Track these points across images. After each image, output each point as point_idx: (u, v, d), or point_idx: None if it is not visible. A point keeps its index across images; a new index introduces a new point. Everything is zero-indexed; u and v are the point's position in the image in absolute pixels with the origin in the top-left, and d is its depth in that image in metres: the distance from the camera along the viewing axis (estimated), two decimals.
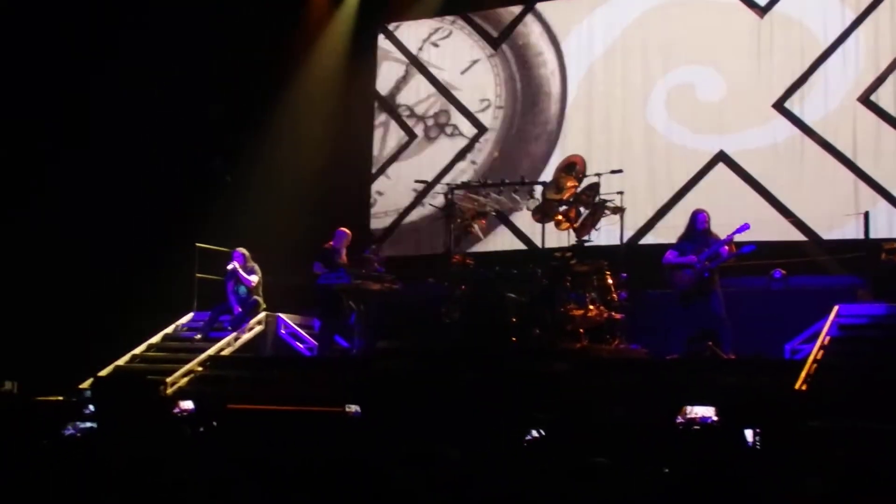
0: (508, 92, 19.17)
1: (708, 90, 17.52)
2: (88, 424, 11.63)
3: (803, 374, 11.92)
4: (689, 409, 9.49)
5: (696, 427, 9.25)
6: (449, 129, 19.42)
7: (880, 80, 16.29)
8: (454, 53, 19.70)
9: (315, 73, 19.94)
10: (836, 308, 13.43)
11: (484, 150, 19.08)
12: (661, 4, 17.97)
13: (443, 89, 19.62)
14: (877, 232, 15.64)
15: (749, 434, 8.04)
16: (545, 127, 18.76)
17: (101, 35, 18.27)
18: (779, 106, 16.89)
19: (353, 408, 11.84)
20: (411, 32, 20.12)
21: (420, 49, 19.93)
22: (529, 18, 19.08)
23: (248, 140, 19.37)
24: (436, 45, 19.78)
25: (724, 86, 17.39)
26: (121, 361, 16.33)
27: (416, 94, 19.91)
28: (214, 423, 11.83)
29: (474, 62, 19.47)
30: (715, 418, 9.30)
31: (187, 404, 12.85)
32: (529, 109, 18.95)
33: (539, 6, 19.02)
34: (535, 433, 8.32)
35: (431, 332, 15.20)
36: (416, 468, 5.45)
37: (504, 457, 6.17)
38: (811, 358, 12.39)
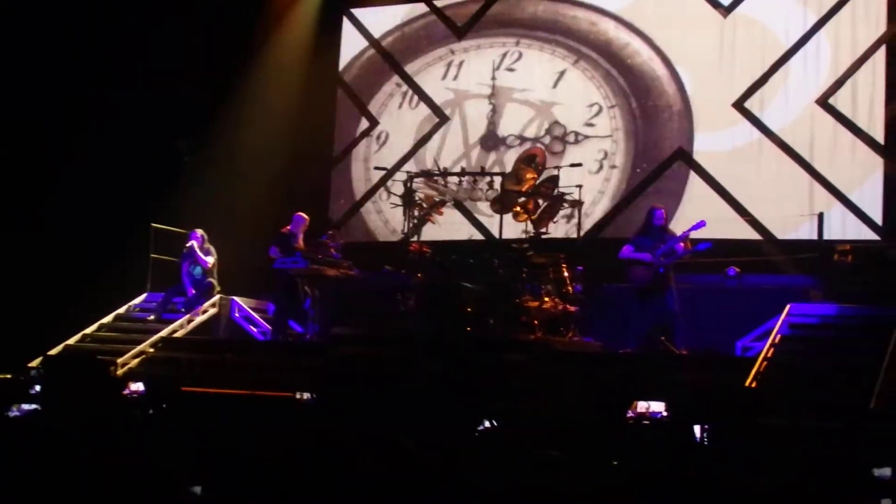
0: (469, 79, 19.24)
1: (670, 87, 17.62)
2: (33, 406, 11.53)
3: (753, 371, 12.06)
4: (639, 403, 9.57)
5: (645, 422, 9.33)
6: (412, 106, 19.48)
7: (839, 84, 16.42)
8: (417, 39, 19.72)
9: (280, 56, 19.86)
10: (787, 307, 13.55)
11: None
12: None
13: (404, 75, 19.62)
14: (830, 233, 15.80)
15: (697, 430, 8.11)
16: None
17: (58, 14, 18.11)
18: (739, 106, 17.00)
19: (305, 395, 11.82)
20: (376, 17, 20.10)
21: (384, 34, 19.92)
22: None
23: (211, 122, 19.29)
24: (417, 27, 19.75)
25: (686, 84, 17.49)
26: (71, 341, 16.19)
27: (379, 80, 19.89)
28: (164, 406, 11.78)
29: (441, 46, 19.49)
30: (665, 413, 9.38)
31: (137, 386, 12.79)
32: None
33: None
34: (487, 423, 8.35)
35: (387, 320, 15.23)
36: (371, 456, 5.48)
37: (457, 446, 6.21)
38: (762, 356, 12.52)
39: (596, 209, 17.39)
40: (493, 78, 18.96)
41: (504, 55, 19.02)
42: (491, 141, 18.74)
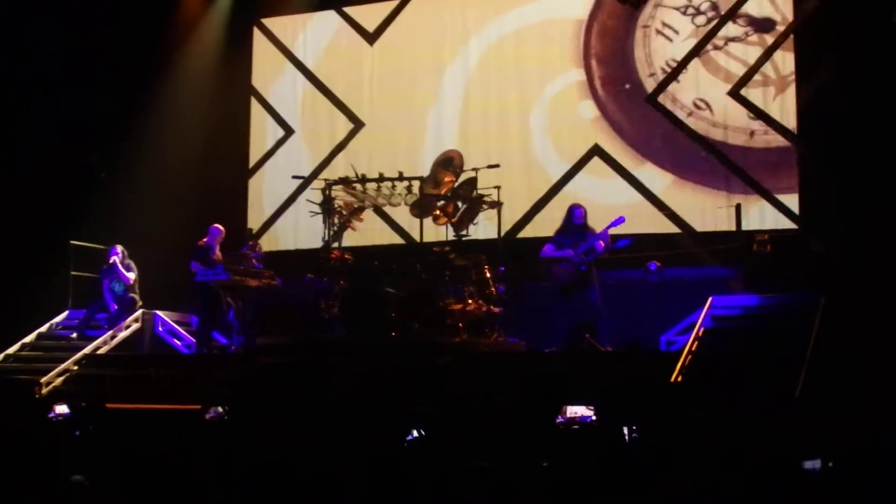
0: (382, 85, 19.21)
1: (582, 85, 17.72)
2: None
3: (679, 365, 12.12)
4: (568, 408, 9.58)
5: (575, 427, 9.35)
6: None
7: (750, 74, 16.56)
8: (328, 47, 19.68)
9: (191, 67, 19.72)
10: (710, 300, 13.65)
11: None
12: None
13: (318, 83, 19.56)
14: (748, 224, 15.95)
15: (625, 430, 8.15)
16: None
17: None
18: (651, 100, 17.11)
19: (215, 410, 11.71)
20: (286, 26, 20.03)
21: (295, 43, 19.87)
22: (405, 13, 19.13)
23: (124, 135, 19.10)
24: (328, 35, 19.74)
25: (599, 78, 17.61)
26: None
27: (293, 88, 19.83)
28: (90, 426, 11.66)
29: (352, 53, 19.45)
30: (593, 417, 9.41)
31: (62, 408, 12.63)
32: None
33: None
34: (415, 433, 8.33)
35: (311, 328, 15.20)
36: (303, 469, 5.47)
37: (386, 457, 6.19)
38: (686, 349, 12.59)
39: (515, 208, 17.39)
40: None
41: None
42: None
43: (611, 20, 17.63)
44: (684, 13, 17.08)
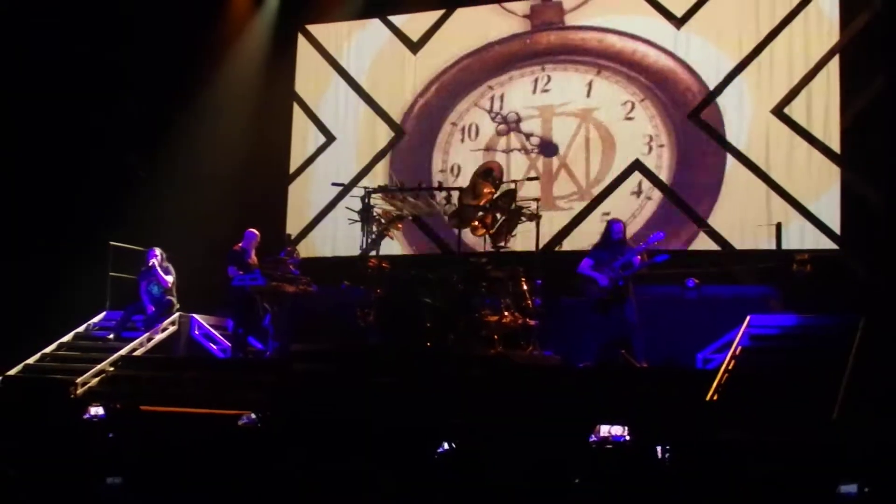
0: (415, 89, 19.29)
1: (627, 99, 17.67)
2: None
3: (715, 384, 12.02)
4: (602, 427, 9.53)
5: (608, 446, 9.30)
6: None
7: (794, 93, 16.48)
8: (372, 55, 19.70)
9: (235, 71, 19.78)
10: (748, 318, 13.55)
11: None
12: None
13: (360, 91, 19.59)
14: (789, 243, 15.87)
15: (659, 450, 8.09)
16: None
17: (12, 25, 17.98)
18: (695, 116, 17.04)
19: (248, 416, 11.72)
20: (331, 33, 20.07)
21: (339, 50, 19.90)
22: (449, 23, 19.17)
23: (166, 138, 19.18)
24: (372, 43, 19.77)
25: (643, 95, 17.55)
26: (30, 360, 16.06)
27: (335, 96, 19.86)
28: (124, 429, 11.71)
29: (396, 61, 19.49)
30: (627, 437, 9.35)
31: (97, 410, 12.67)
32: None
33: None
34: (446, 445, 8.29)
35: (346, 335, 15.18)
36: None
37: (416, 471, 6.15)
38: (723, 368, 12.48)
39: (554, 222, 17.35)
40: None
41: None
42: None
43: None
44: None
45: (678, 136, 17.17)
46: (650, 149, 17.34)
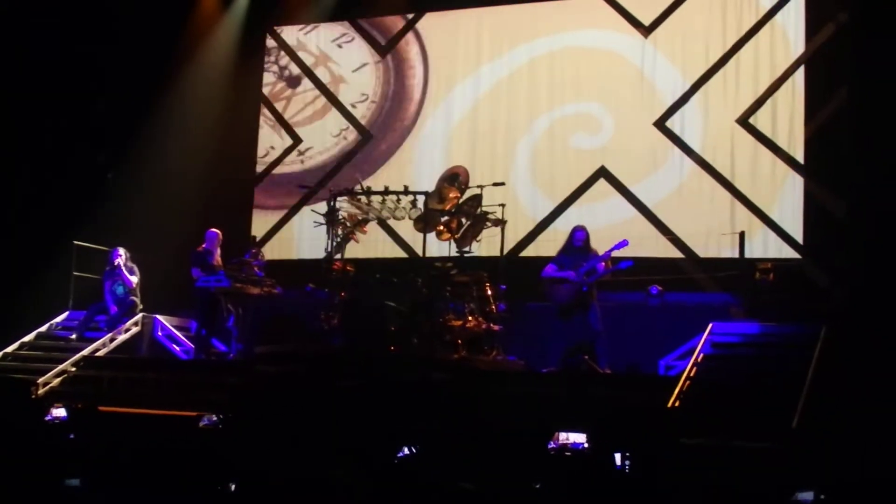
0: (383, 92, 19.25)
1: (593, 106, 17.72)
2: None
3: (676, 390, 12.09)
4: (561, 434, 9.56)
5: (567, 453, 9.33)
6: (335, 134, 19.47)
7: (759, 103, 16.56)
8: (340, 57, 19.70)
9: (203, 72, 19.75)
10: (710, 325, 13.62)
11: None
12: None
13: (327, 92, 19.59)
14: (752, 252, 15.96)
15: (618, 457, 8.11)
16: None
17: None
18: (660, 124, 17.11)
19: (209, 418, 11.72)
20: (299, 35, 20.07)
21: (307, 52, 19.90)
22: (418, 28, 19.20)
23: (134, 138, 19.13)
24: (340, 46, 19.74)
25: (608, 102, 17.61)
26: None
27: (302, 97, 19.85)
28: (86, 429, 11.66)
29: (363, 65, 19.49)
30: (586, 445, 9.38)
31: (59, 412, 12.64)
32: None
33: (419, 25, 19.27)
34: (406, 450, 8.30)
35: (310, 338, 15.17)
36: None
37: (376, 473, 6.16)
38: (685, 375, 12.55)
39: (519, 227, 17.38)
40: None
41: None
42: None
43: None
44: None
45: (644, 143, 17.21)
46: (615, 156, 17.39)
